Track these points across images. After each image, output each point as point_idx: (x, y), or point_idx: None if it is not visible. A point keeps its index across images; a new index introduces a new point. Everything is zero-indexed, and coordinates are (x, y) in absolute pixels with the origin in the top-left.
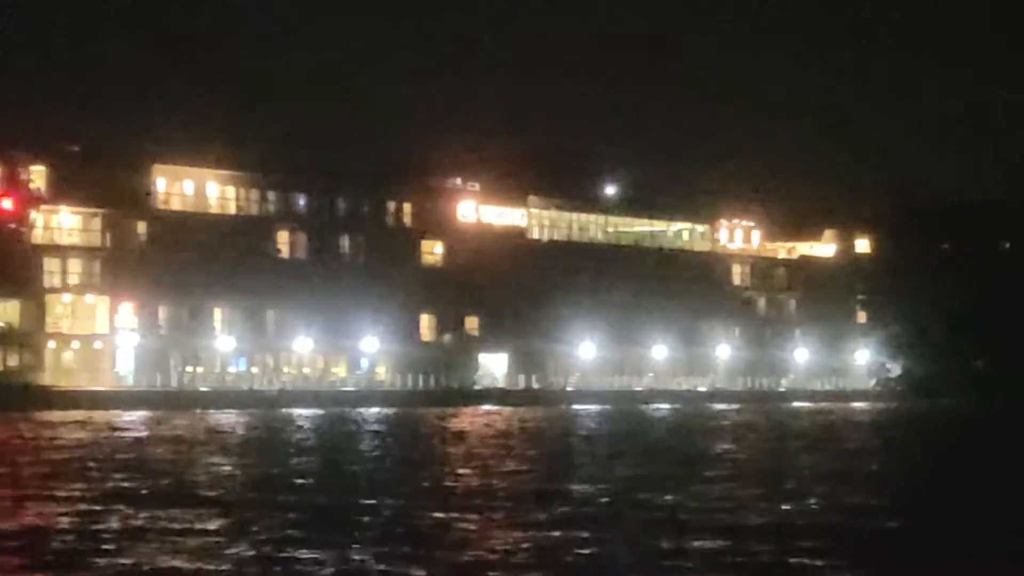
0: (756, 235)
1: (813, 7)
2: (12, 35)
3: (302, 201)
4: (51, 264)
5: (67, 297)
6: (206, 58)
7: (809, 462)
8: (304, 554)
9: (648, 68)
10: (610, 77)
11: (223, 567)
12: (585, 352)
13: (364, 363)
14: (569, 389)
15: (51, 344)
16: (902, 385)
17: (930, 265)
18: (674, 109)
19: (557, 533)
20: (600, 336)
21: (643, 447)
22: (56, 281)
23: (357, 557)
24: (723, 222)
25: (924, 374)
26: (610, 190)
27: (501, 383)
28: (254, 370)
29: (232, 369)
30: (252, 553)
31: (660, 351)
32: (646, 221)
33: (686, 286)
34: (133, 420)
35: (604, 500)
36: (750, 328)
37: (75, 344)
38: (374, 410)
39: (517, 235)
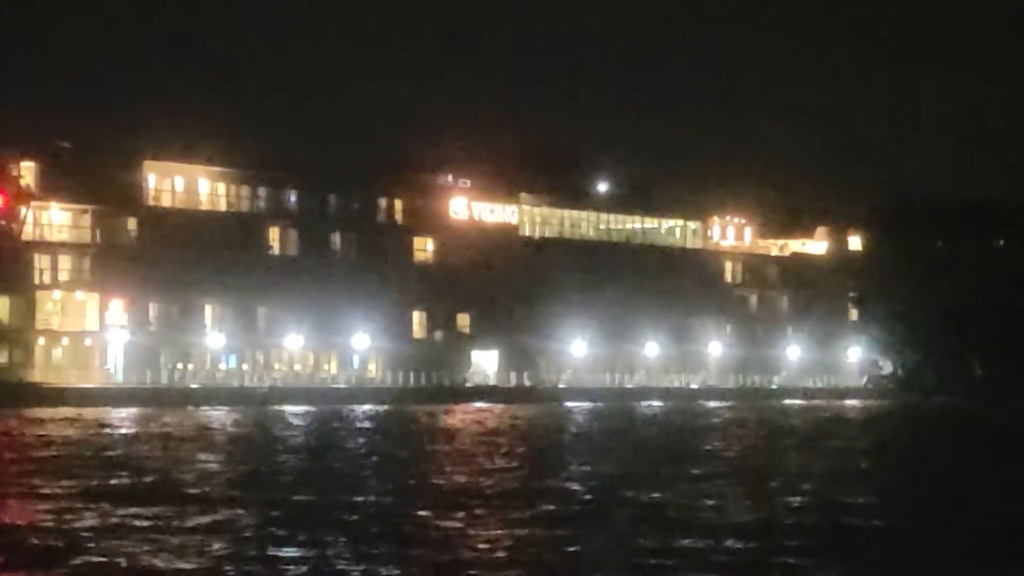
0: (748, 232)
1: (813, 7)
2: (9, 32)
3: (293, 198)
4: (41, 260)
5: (57, 294)
6: (206, 58)
7: (798, 460)
8: (284, 553)
9: (648, 68)
10: (608, 77)
11: (202, 565)
12: (577, 349)
13: (355, 360)
14: (561, 386)
15: (41, 341)
16: (894, 383)
17: (923, 263)
18: (673, 109)
19: (541, 531)
20: (592, 333)
21: (633, 444)
22: (46, 278)
23: (337, 555)
24: (715, 219)
25: (916, 372)
26: (602, 187)
27: (493, 380)
28: (245, 367)
29: (223, 366)
30: (232, 551)
31: (652, 348)
32: (638, 218)
33: (678, 283)
34: (123, 417)
35: (590, 498)
36: (742, 325)
37: (65, 341)
38: (365, 407)
39: (509, 232)
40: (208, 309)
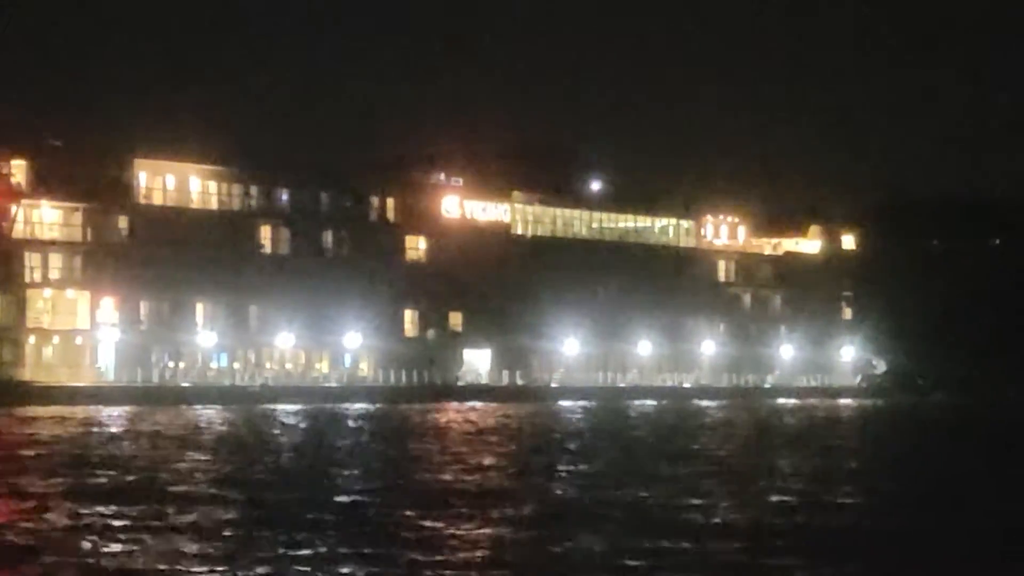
0: (741, 231)
1: (813, 7)
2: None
3: (285, 196)
4: (32, 259)
5: (48, 292)
6: (203, 58)
7: (790, 459)
8: (264, 553)
9: (645, 68)
10: (607, 76)
11: (178, 565)
12: (569, 348)
13: (347, 358)
14: (553, 385)
15: (32, 339)
16: (887, 382)
17: (917, 262)
18: (669, 108)
19: (526, 531)
20: (584, 332)
21: (624, 444)
22: (37, 276)
23: (317, 555)
24: (708, 218)
25: (910, 371)
26: (595, 186)
27: (485, 379)
28: (236, 365)
29: (214, 364)
30: (210, 551)
31: (645, 347)
32: (631, 217)
33: (671, 282)
34: (113, 416)
35: (577, 497)
36: (735, 324)
37: (56, 339)
38: (357, 406)
39: (501, 231)
40: (199, 307)
